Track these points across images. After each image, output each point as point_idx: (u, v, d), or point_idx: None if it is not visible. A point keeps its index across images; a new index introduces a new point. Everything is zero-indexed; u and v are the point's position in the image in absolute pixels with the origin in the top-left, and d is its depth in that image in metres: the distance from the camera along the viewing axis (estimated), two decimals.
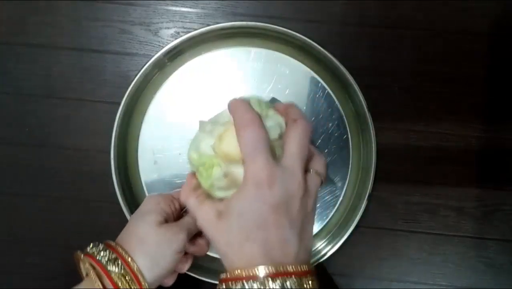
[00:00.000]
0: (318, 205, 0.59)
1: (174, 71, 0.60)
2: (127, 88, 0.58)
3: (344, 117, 0.59)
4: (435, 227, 0.59)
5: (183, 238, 0.46)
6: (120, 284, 0.42)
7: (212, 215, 0.39)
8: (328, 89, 0.59)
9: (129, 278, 0.43)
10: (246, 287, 0.35)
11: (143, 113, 0.60)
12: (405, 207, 0.60)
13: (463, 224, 0.59)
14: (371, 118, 0.57)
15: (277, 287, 0.34)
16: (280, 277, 0.35)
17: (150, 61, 0.58)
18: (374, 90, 0.57)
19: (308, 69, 0.59)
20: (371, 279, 0.60)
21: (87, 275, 0.44)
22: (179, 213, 0.50)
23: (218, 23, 0.59)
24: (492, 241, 0.59)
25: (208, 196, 0.41)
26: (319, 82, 0.59)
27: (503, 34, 0.61)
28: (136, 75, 0.58)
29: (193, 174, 0.44)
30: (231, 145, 0.39)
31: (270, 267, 0.35)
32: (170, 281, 0.49)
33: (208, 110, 0.58)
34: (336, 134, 0.59)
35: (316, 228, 0.59)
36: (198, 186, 0.42)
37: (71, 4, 0.61)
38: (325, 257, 0.57)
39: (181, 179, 0.59)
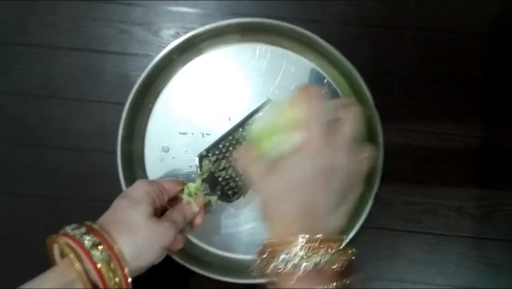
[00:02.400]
0: None
1: (179, 69, 0.60)
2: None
3: None
4: (435, 227, 0.59)
5: (172, 235, 0.46)
6: (103, 270, 0.42)
7: (264, 169, 0.40)
8: (335, 86, 0.59)
9: (113, 265, 0.42)
10: (286, 256, 0.37)
11: (149, 112, 0.60)
12: (405, 207, 0.60)
13: (463, 224, 0.59)
14: (378, 115, 0.57)
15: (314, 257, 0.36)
16: (316, 249, 0.37)
17: (155, 60, 0.58)
18: (374, 90, 0.57)
19: (314, 66, 0.59)
20: (371, 279, 0.60)
21: (57, 259, 0.43)
22: (165, 206, 0.50)
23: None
24: (492, 241, 0.59)
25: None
26: (325, 78, 0.59)
27: (503, 34, 0.61)
28: (141, 74, 0.58)
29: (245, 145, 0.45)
30: (291, 114, 0.41)
31: (307, 237, 0.37)
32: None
33: (213, 108, 0.59)
34: None
35: None
36: (252, 147, 0.43)
37: (71, 4, 0.61)
38: None
39: (187, 176, 0.59)
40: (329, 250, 0.37)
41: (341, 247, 0.38)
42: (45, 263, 0.44)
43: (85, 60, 0.61)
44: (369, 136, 0.59)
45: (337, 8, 0.61)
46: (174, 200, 0.52)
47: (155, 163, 0.59)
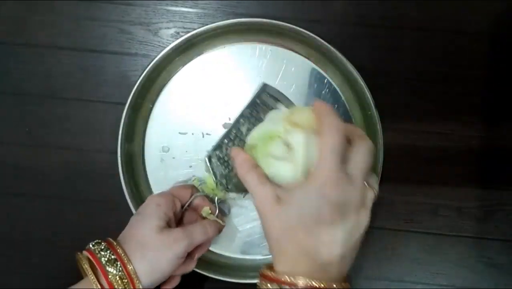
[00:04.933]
0: None
1: (179, 69, 0.60)
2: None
3: (351, 112, 0.59)
4: (435, 227, 0.59)
5: (184, 245, 0.46)
6: (116, 286, 0.43)
7: (271, 197, 0.39)
8: (335, 85, 0.59)
9: (125, 280, 0.43)
10: None
11: (149, 112, 0.60)
12: (406, 207, 0.60)
13: (463, 224, 0.59)
14: (378, 115, 0.57)
15: None
16: None
17: (155, 60, 0.58)
18: (374, 90, 0.57)
19: (314, 66, 0.59)
20: (371, 279, 0.60)
21: (85, 274, 0.45)
22: (181, 211, 0.50)
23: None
24: (492, 241, 0.59)
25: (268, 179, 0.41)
26: (325, 78, 0.59)
27: (503, 34, 0.61)
28: (141, 74, 0.58)
29: (241, 149, 0.43)
30: (301, 117, 0.40)
31: (310, 281, 0.36)
32: (171, 285, 0.49)
33: (214, 108, 0.59)
34: None
35: None
36: (256, 164, 0.41)
37: (71, 4, 0.61)
38: None
39: (188, 176, 0.58)
40: None
41: None
42: (45, 263, 0.45)
43: (85, 60, 0.61)
44: (369, 136, 0.59)
45: (337, 8, 0.61)
46: (192, 210, 0.52)
47: (155, 163, 0.59)
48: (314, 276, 0.37)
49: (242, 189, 0.52)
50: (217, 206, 0.53)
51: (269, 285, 0.37)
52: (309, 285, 0.36)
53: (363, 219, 0.39)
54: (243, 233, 0.58)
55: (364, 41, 0.61)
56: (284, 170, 0.39)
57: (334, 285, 0.37)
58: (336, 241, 0.37)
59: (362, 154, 0.39)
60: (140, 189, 0.59)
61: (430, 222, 0.59)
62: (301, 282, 0.36)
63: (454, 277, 0.59)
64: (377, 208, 0.59)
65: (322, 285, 0.36)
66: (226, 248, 0.59)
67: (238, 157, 0.43)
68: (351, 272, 0.59)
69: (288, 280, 0.37)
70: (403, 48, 0.61)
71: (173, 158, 0.59)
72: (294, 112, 0.42)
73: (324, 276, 0.37)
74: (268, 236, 0.39)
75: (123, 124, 0.57)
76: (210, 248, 0.58)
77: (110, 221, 0.59)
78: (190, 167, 0.59)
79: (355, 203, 0.38)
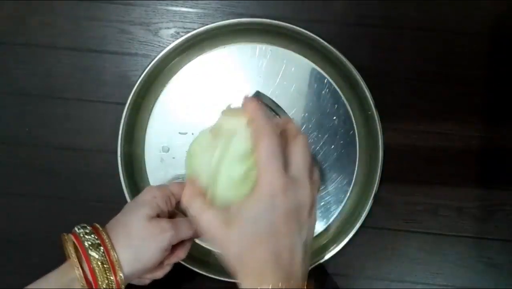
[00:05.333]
0: (322, 204, 0.59)
1: (179, 69, 0.60)
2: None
3: (351, 112, 0.59)
4: (435, 227, 0.59)
5: (170, 236, 0.45)
6: (97, 271, 0.43)
7: (219, 221, 0.38)
8: (335, 85, 0.59)
9: (107, 266, 0.43)
10: None
11: (149, 112, 0.60)
12: (406, 207, 0.60)
13: (463, 224, 0.59)
14: (378, 115, 0.57)
15: None
16: None
17: (155, 60, 0.58)
18: (374, 90, 0.57)
19: (314, 66, 0.59)
20: (371, 279, 0.60)
21: (69, 257, 0.44)
22: (173, 209, 0.50)
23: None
24: (492, 241, 0.59)
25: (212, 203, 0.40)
26: (325, 78, 0.59)
27: (503, 34, 0.61)
28: (141, 74, 0.58)
29: (194, 180, 0.42)
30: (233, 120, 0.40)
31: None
32: (160, 274, 0.48)
33: (214, 108, 0.59)
34: (342, 130, 0.59)
35: (320, 227, 0.59)
36: (201, 191, 0.41)
37: (71, 4, 0.61)
38: (327, 257, 0.57)
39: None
40: None
41: None
42: (45, 263, 0.45)
43: (85, 60, 0.61)
44: (369, 136, 0.59)
45: (337, 8, 0.61)
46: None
47: (155, 163, 0.59)
48: (282, 283, 0.36)
49: None
50: None
51: None
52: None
53: (315, 217, 0.39)
54: None
55: (364, 41, 0.61)
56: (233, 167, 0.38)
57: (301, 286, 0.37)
58: (296, 246, 0.37)
59: (300, 152, 0.39)
60: (140, 189, 0.59)
61: (430, 222, 0.59)
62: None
63: (454, 277, 0.59)
64: (377, 208, 0.59)
65: (294, 286, 0.36)
66: None
67: (182, 190, 0.42)
68: (351, 272, 0.60)
69: None
70: (403, 48, 0.61)
71: (173, 158, 0.59)
72: (225, 116, 0.41)
73: (290, 281, 0.37)
74: (226, 258, 0.39)
75: (123, 124, 0.57)
76: (211, 248, 0.58)
77: None
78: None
79: (307, 205, 0.38)
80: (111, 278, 0.43)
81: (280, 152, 0.37)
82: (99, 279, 0.43)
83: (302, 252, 0.38)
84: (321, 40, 0.57)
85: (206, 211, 0.39)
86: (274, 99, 0.58)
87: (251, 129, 0.38)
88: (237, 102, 0.42)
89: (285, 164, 0.38)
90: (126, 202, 0.56)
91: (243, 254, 0.38)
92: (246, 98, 0.41)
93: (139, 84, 0.58)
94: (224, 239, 0.38)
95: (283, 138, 0.39)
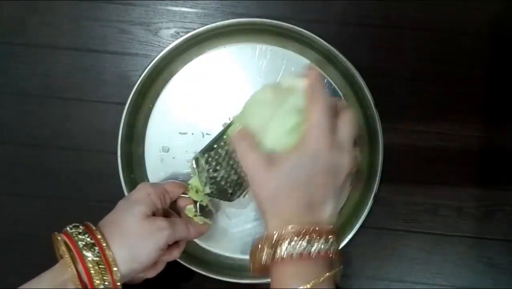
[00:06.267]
0: None
1: (179, 69, 0.60)
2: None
3: None
4: (435, 227, 0.59)
5: (166, 235, 0.45)
6: (92, 271, 0.42)
7: (263, 162, 0.40)
8: (335, 85, 0.59)
9: (102, 266, 0.42)
10: (288, 246, 0.38)
11: (149, 112, 0.60)
12: (405, 207, 0.60)
13: (463, 224, 0.59)
14: (378, 115, 0.57)
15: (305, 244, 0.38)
16: (308, 236, 0.38)
17: (155, 60, 0.58)
18: (374, 90, 0.57)
19: (314, 66, 0.59)
20: (371, 279, 0.60)
21: (62, 257, 0.44)
22: (168, 209, 0.50)
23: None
24: (492, 241, 0.59)
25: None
26: (325, 78, 0.59)
27: (503, 34, 0.61)
28: (141, 74, 0.58)
29: (245, 126, 0.44)
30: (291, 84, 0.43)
31: (306, 227, 0.39)
32: (152, 273, 0.48)
33: (214, 108, 0.59)
34: None
35: None
36: (251, 135, 0.43)
37: (71, 4, 0.61)
38: None
39: (187, 176, 0.58)
40: (327, 238, 0.39)
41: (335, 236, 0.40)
42: (45, 263, 0.45)
43: (85, 60, 0.61)
44: (369, 136, 0.59)
45: (337, 8, 0.61)
46: (175, 204, 0.52)
47: (155, 163, 0.59)
48: (307, 227, 0.39)
49: (226, 197, 0.52)
50: (198, 208, 0.52)
51: (267, 247, 0.39)
52: (306, 229, 0.38)
53: (348, 183, 0.44)
54: (243, 233, 0.58)
55: (364, 41, 0.61)
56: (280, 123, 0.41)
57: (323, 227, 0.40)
58: (328, 200, 0.40)
59: (348, 123, 0.41)
60: None
61: (430, 222, 0.59)
62: (299, 228, 0.38)
63: (454, 277, 0.59)
64: (377, 208, 0.59)
65: (318, 227, 0.39)
66: (226, 248, 0.59)
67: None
68: (351, 272, 0.60)
69: (287, 231, 0.38)
70: (403, 48, 0.61)
71: (173, 158, 0.59)
72: (282, 81, 0.44)
73: (316, 227, 0.39)
74: (261, 198, 0.41)
75: (123, 124, 0.57)
76: (210, 248, 0.59)
77: None
78: (188, 162, 0.59)
79: (344, 170, 0.40)
80: (107, 277, 0.42)
81: (331, 116, 0.40)
82: (95, 279, 0.42)
83: (332, 208, 0.41)
84: (321, 40, 0.57)
85: (252, 150, 0.41)
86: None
87: (309, 91, 0.41)
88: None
89: (331, 130, 0.40)
90: None
91: (277, 196, 0.40)
92: (310, 65, 0.46)
93: (139, 84, 0.58)
94: (263, 179, 0.40)
95: (333, 111, 0.42)
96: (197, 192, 0.51)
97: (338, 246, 0.40)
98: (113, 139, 0.58)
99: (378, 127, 0.57)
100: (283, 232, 0.38)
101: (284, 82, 0.44)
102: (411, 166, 0.60)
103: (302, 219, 0.39)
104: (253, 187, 0.41)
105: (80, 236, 0.43)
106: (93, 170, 0.60)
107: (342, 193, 0.42)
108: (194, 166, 0.51)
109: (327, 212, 0.40)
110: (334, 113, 0.41)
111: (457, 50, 0.60)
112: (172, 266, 0.53)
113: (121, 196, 0.57)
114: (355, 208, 0.59)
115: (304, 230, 0.38)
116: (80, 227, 0.45)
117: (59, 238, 0.44)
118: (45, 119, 0.61)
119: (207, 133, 0.59)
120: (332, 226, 0.40)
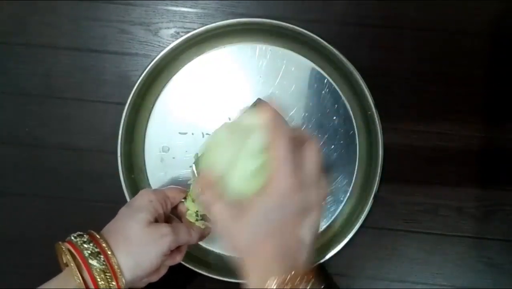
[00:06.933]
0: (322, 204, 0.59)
1: (179, 69, 0.60)
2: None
3: (351, 112, 0.59)
4: (435, 227, 0.59)
5: (170, 241, 0.45)
6: (99, 279, 0.42)
7: (230, 212, 0.39)
8: (335, 85, 0.59)
9: (108, 274, 0.43)
10: None
11: (149, 112, 0.60)
12: (405, 207, 0.60)
13: (463, 224, 0.59)
14: (378, 115, 0.57)
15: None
16: (290, 283, 0.37)
17: (155, 60, 0.58)
18: (374, 90, 0.57)
19: (314, 66, 0.60)
20: (371, 279, 0.60)
21: (67, 265, 0.44)
22: (169, 214, 0.50)
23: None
24: (492, 241, 0.59)
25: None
26: (325, 78, 0.59)
27: (503, 34, 0.61)
28: (141, 74, 0.58)
29: (207, 172, 0.43)
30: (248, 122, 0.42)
31: (287, 277, 0.37)
32: (155, 278, 0.48)
33: (213, 108, 0.59)
34: (342, 130, 0.59)
35: (320, 227, 0.59)
36: (214, 182, 0.41)
37: (71, 4, 0.61)
38: (327, 257, 0.57)
39: (187, 176, 0.58)
40: (309, 281, 0.38)
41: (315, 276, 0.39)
42: (44, 263, 0.45)
43: (85, 60, 0.61)
44: (369, 136, 0.59)
45: (337, 8, 0.61)
46: (176, 208, 0.52)
47: (155, 163, 0.59)
48: (287, 274, 0.37)
49: None
50: (198, 213, 0.52)
51: None
52: (288, 278, 0.37)
53: (319, 217, 0.41)
54: None
55: (364, 41, 0.61)
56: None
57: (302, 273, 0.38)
58: (302, 241, 0.39)
59: (313, 153, 0.40)
60: (140, 189, 0.58)
61: (430, 222, 0.59)
62: (280, 279, 0.37)
63: (454, 277, 0.59)
64: (377, 208, 0.59)
65: (300, 272, 0.38)
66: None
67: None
68: (352, 272, 0.60)
69: (268, 283, 0.37)
70: (403, 48, 0.61)
71: (173, 158, 0.59)
72: (244, 114, 0.43)
73: (295, 271, 0.38)
74: (234, 250, 0.40)
75: (123, 124, 0.57)
76: (211, 248, 0.59)
77: None
78: (190, 167, 0.59)
79: (314, 204, 0.39)
80: (113, 285, 0.43)
81: (292, 153, 0.39)
82: (101, 287, 0.42)
83: (308, 246, 0.39)
84: (321, 40, 0.57)
85: (218, 201, 0.40)
86: (274, 99, 0.58)
87: (268, 128, 0.40)
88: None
89: (297, 166, 0.39)
90: (126, 202, 0.56)
91: (252, 247, 0.38)
92: (262, 100, 0.43)
93: (139, 84, 0.58)
94: (233, 231, 0.39)
95: (295, 143, 0.40)
96: (193, 201, 0.51)
97: (321, 285, 0.39)
98: (113, 140, 0.58)
99: (378, 127, 0.57)
100: (269, 282, 0.37)
101: (243, 119, 0.42)
102: (411, 166, 0.60)
103: (281, 266, 0.38)
104: (225, 239, 0.40)
105: (85, 245, 0.44)
106: (93, 170, 0.60)
107: (316, 225, 0.40)
108: (195, 170, 0.51)
109: (305, 253, 0.39)
110: (299, 143, 0.40)
111: (457, 50, 0.60)
112: (173, 266, 0.53)
113: (121, 196, 0.57)
114: (355, 208, 0.59)
115: (286, 280, 0.37)
116: (85, 235, 0.45)
117: (63, 247, 0.44)
118: (45, 119, 0.61)
119: (207, 134, 0.59)
120: (311, 264, 0.39)
